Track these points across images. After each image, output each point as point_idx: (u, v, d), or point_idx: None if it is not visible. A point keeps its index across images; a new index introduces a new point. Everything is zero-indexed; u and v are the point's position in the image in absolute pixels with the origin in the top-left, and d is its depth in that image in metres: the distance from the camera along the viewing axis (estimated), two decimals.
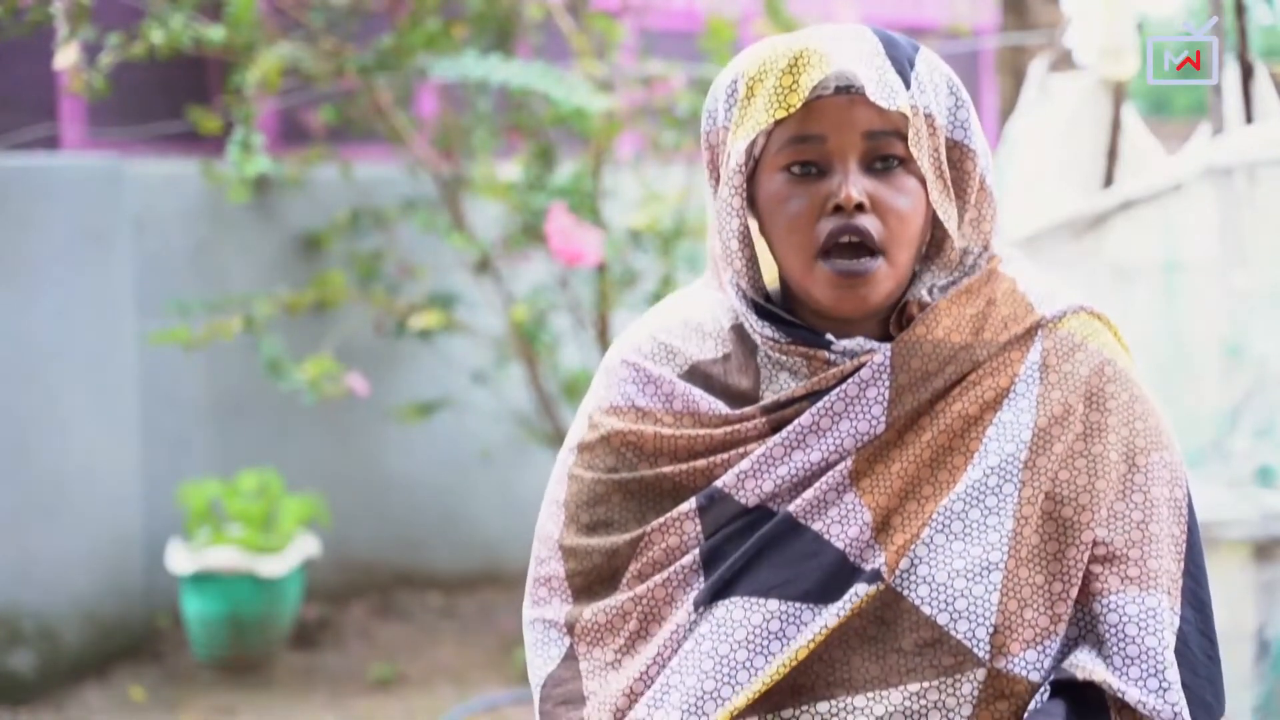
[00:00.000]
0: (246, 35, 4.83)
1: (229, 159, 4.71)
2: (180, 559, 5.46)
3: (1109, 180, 3.95)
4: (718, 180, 1.72)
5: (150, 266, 5.89)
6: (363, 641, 5.98)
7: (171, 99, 6.07)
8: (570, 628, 1.70)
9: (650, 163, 5.74)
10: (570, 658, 1.70)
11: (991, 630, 1.58)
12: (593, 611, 1.69)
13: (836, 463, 1.65)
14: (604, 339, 5.59)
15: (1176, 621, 1.63)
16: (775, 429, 1.67)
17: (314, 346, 5.81)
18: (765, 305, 1.71)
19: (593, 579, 1.71)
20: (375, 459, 6.35)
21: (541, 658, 1.72)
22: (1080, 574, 1.62)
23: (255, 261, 6.14)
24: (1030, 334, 1.69)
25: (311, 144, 6.17)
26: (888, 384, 1.65)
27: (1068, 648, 1.63)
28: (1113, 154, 3.95)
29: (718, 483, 1.67)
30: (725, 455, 1.67)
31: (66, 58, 4.14)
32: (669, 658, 1.65)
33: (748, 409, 1.68)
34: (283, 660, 5.68)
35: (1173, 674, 1.60)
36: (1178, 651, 1.63)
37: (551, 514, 1.77)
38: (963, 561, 1.60)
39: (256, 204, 6.10)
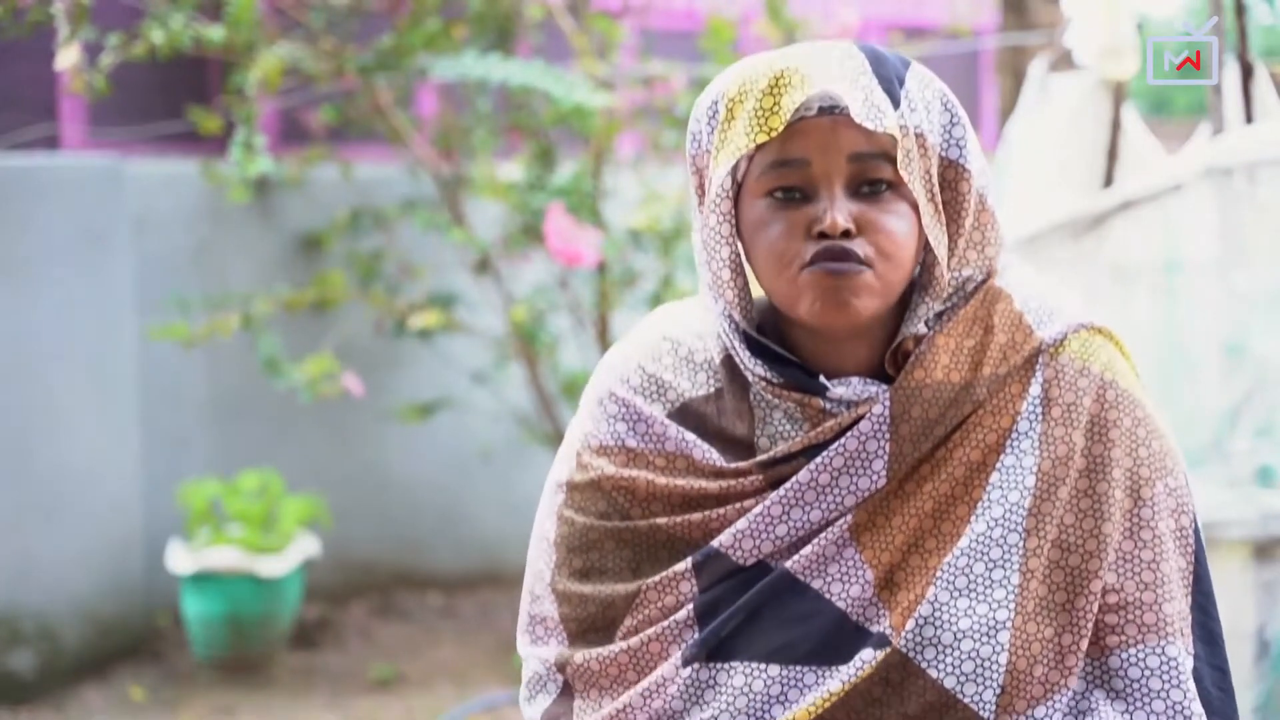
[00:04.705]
0: (246, 35, 4.83)
1: (231, 160, 4.70)
2: (180, 559, 5.46)
3: (1109, 180, 3.94)
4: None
5: (150, 266, 5.89)
6: (363, 641, 5.98)
7: (171, 99, 6.07)
8: (562, 668, 1.67)
9: (650, 163, 5.74)
10: (565, 696, 1.67)
11: (998, 692, 1.55)
12: (585, 657, 1.65)
13: (836, 519, 1.60)
14: (604, 339, 5.59)
15: (1191, 662, 1.59)
16: (773, 484, 1.62)
17: (314, 346, 5.81)
18: (757, 338, 1.64)
19: (587, 626, 1.66)
20: (375, 459, 6.35)
21: (542, 694, 1.70)
22: (1090, 623, 1.58)
23: (255, 261, 6.14)
24: (1030, 363, 1.62)
25: (311, 144, 6.17)
26: (888, 436, 1.59)
27: (1075, 699, 1.59)
28: (1113, 154, 3.95)
29: (714, 543, 1.61)
30: (721, 510, 1.62)
31: (67, 58, 4.13)
32: (652, 707, 1.61)
33: (743, 464, 1.62)
34: (283, 660, 5.68)
35: None
36: None
37: (542, 551, 1.72)
38: (969, 621, 1.55)
39: (256, 204, 6.10)
